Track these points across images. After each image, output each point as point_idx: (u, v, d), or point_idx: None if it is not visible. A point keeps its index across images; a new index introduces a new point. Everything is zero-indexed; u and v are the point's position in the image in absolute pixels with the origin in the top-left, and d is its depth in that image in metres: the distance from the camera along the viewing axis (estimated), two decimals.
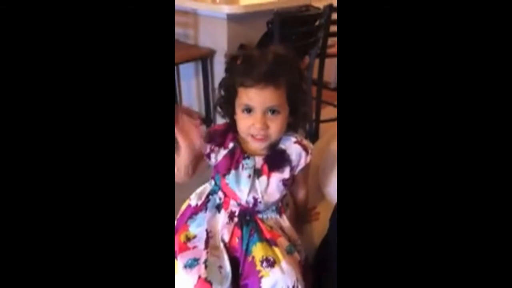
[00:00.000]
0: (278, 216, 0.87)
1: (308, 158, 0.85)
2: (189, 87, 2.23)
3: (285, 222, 0.88)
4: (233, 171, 0.82)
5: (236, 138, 0.84)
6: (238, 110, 0.78)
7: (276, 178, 0.83)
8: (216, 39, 1.94)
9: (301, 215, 1.00)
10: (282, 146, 0.83)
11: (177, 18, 2.07)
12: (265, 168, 0.82)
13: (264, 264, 0.75)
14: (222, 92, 0.82)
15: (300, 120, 0.84)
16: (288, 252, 0.79)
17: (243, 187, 0.82)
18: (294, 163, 0.84)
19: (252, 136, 0.77)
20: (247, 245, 0.79)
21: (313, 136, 2.16)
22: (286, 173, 0.83)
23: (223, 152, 0.83)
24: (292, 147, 0.84)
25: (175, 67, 2.17)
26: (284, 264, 0.75)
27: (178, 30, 2.11)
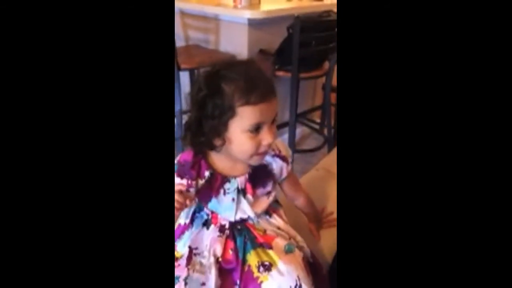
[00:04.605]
0: (268, 217, 0.86)
1: (289, 168, 0.84)
2: None
3: (277, 220, 0.85)
4: (214, 199, 0.78)
5: (210, 164, 0.79)
6: (240, 132, 0.69)
7: (260, 193, 0.81)
8: (237, 44, 1.96)
9: (313, 220, 0.98)
10: (263, 161, 0.80)
11: (198, 24, 2.10)
12: (249, 186, 0.79)
13: (261, 269, 0.74)
14: (213, 118, 0.69)
15: None
16: (287, 252, 0.77)
17: (228, 212, 0.79)
18: (276, 176, 0.83)
19: (259, 153, 0.72)
20: (243, 254, 0.77)
21: (332, 142, 2.14)
22: (269, 187, 0.82)
23: (201, 182, 0.78)
24: (272, 161, 0.81)
25: (196, 71, 2.20)
26: (281, 265, 0.74)
27: (199, 35, 2.13)
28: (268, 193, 0.83)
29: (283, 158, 0.83)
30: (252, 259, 0.76)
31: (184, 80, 2.07)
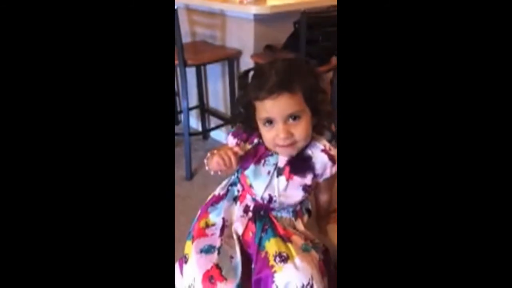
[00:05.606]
0: (293, 219, 0.87)
1: (334, 169, 0.83)
2: (216, 88, 2.25)
3: (299, 225, 0.87)
4: (252, 166, 0.83)
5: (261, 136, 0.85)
6: (260, 124, 0.80)
7: (297, 182, 0.82)
8: (243, 40, 1.95)
9: (323, 216, 0.99)
10: (308, 152, 0.83)
11: (205, 20, 2.09)
12: (287, 169, 0.82)
13: (277, 259, 0.75)
14: (241, 109, 0.84)
15: (324, 119, 0.83)
16: (304, 250, 0.79)
17: (260, 183, 0.83)
18: (318, 171, 0.83)
19: (279, 145, 0.79)
20: (260, 240, 0.80)
21: None
22: (308, 180, 0.83)
23: (248, 147, 0.86)
24: (319, 155, 0.83)
25: (203, 67, 2.20)
26: (298, 260, 0.75)
27: (205, 31, 2.13)
28: (305, 188, 0.83)
29: (331, 157, 0.83)
30: (271, 247, 0.78)
31: (190, 76, 2.07)
